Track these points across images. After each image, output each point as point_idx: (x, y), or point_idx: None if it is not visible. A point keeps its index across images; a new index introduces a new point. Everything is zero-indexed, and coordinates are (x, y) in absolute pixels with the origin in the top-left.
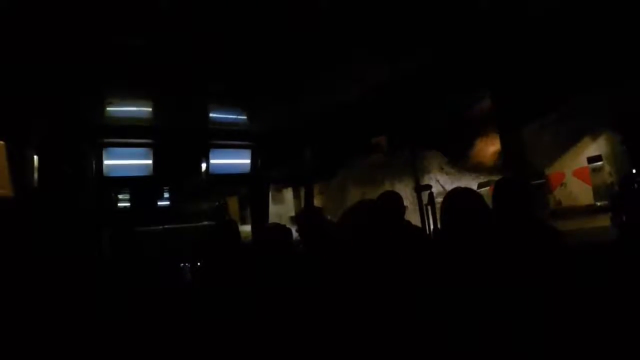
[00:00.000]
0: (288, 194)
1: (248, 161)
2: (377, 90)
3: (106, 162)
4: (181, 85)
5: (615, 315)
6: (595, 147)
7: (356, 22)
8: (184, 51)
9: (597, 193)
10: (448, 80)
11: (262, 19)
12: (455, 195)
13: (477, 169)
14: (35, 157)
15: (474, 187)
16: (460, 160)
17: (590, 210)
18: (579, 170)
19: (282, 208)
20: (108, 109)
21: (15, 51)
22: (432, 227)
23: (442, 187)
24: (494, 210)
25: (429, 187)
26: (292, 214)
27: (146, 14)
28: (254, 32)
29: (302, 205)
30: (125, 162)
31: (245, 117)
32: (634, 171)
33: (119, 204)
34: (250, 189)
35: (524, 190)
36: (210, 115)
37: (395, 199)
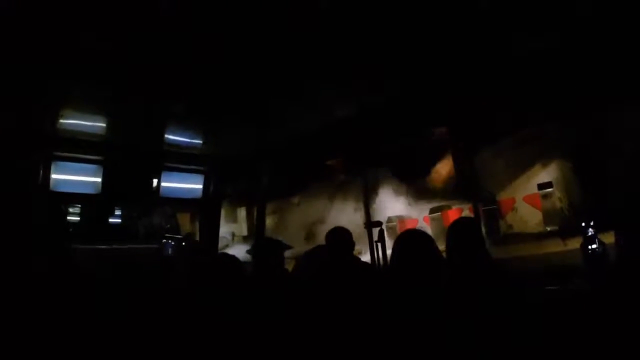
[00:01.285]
0: (241, 212)
1: (200, 186)
2: (336, 121)
3: (54, 175)
4: (139, 103)
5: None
6: (546, 173)
7: (319, 57)
8: (146, 69)
9: (547, 218)
10: (406, 110)
11: (225, 45)
12: (406, 238)
13: (431, 192)
14: None
15: (427, 210)
16: (414, 184)
17: (541, 236)
18: (530, 197)
19: (236, 227)
20: (60, 120)
21: None
22: (382, 263)
23: (395, 213)
24: (448, 249)
25: (380, 223)
26: (245, 233)
27: (115, 21)
28: (218, 56)
29: (254, 224)
30: (74, 177)
31: (201, 141)
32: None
33: (68, 218)
34: (201, 212)
35: (476, 231)
36: (166, 136)
37: (343, 236)
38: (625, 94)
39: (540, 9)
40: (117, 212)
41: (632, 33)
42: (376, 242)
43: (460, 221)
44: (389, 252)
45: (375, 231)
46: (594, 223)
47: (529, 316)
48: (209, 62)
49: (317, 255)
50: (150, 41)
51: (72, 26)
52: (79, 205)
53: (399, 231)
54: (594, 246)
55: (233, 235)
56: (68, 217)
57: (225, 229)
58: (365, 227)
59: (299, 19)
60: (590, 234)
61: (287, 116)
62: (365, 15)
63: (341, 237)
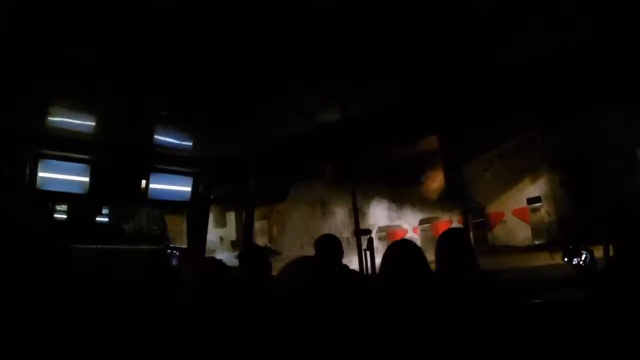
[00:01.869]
0: (231, 216)
1: (189, 189)
2: (325, 127)
3: (40, 174)
4: (127, 104)
5: None
6: (535, 187)
7: (314, 58)
8: (134, 70)
9: (535, 232)
10: (397, 119)
11: (215, 47)
12: (395, 249)
13: (421, 203)
14: None
15: (416, 221)
16: (405, 194)
17: (528, 249)
18: (519, 210)
19: (225, 231)
20: (48, 118)
21: None
22: (370, 271)
23: (385, 223)
24: (438, 259)
25: (369, 231)
26: (234, 237)
27: (101, 26)
28: (206, 58)
29: (243, 230)
30: (61, 176)
31: (190, 143)
32: None
33: (54, 216)
34: (189, 215)
35: (466, 242)
36: (155, 137)
37: (332, 244)
38: (614, 100)
39: (536, 13)
40: (104, 212)
41: (626, 41)
42: (365, 250)
43: (450, 232)
44: (377, 260)
45: (364, 239)
46: (572, 246)
47: (518, 326)
48: (203, 63)
49: (303, 264)
50: (144, 41)
51: (62, 27)
52: (66, 204)
53: (388, 241)
54: (583, 256)
55: (221, 239)
56: (54, 216)
57: (213, 233)
58: (354, 235)
59: (298, 19)
60: (575, 262)
61: (276, 119)
62: (361, 17)
63: (330, 244)
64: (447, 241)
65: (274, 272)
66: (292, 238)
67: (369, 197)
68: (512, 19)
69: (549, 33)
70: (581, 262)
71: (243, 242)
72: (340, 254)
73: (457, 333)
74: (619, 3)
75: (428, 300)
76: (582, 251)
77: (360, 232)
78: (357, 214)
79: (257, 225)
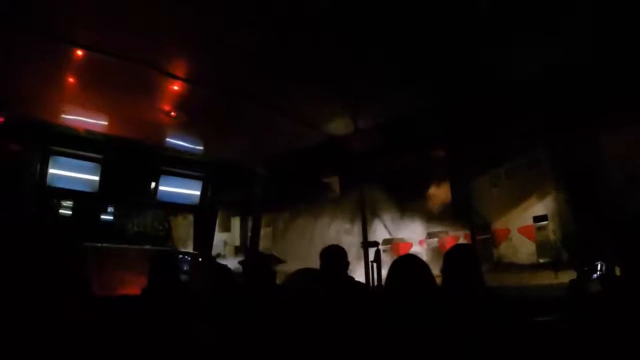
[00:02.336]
0: (236, 222)
1: (198, 192)
2: (332, 138)
3: (51, 170)
4: (140, 105)
5: None
6: (542, 205)
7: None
8: (148, 73)
9: (540, 250)
10: (403, 132)
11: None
12: (401, 264)
13: (427, 217)
14: None
15: (422, 234)
16: (410, 207)
17: (533, 266)
18: (524, 228)
19: (229, 236)
20: (62, 116)
21: None
22: (376, 283)
23: (391, 235)
24: (445, 273)
25: (377, 243)
26: (238, 243)
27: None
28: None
29: (249, 236)
30: (72, 174)
31: (201, 147)
32: None
33: (60, 212)
34: (196, 218)
35: (473, 259)
36: (166, 140)
37: (338, 255)
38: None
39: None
40: (110, 212)
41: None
42: (372, 261)
43: (459, 247)
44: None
45: (372, 251)
46: (587, 267)
47: (521, 342)
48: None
49: (307, 274)
50: None
51: None
52: (75, 202)
53: (392, 254)
54: (599, 266)
55: (225, 244)
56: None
57: (217, 238)
58: (361, 247)
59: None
60: (595, 277)
61: (283, 128)
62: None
63: (336, 255)
64: (455, 256)
65: (278, 280)
66: (297, 247)
67: (374, 209)
68: (520, 34)
69: (556, 49)
70: (600, 272)
71: (247, 249)
72: (345, 265)
73: (461, 348)
74: (626, 21)
75: (433, 315)
76: (597, 263)
77: (368, 244)
78: (365, 226)
79: (262, 232)
